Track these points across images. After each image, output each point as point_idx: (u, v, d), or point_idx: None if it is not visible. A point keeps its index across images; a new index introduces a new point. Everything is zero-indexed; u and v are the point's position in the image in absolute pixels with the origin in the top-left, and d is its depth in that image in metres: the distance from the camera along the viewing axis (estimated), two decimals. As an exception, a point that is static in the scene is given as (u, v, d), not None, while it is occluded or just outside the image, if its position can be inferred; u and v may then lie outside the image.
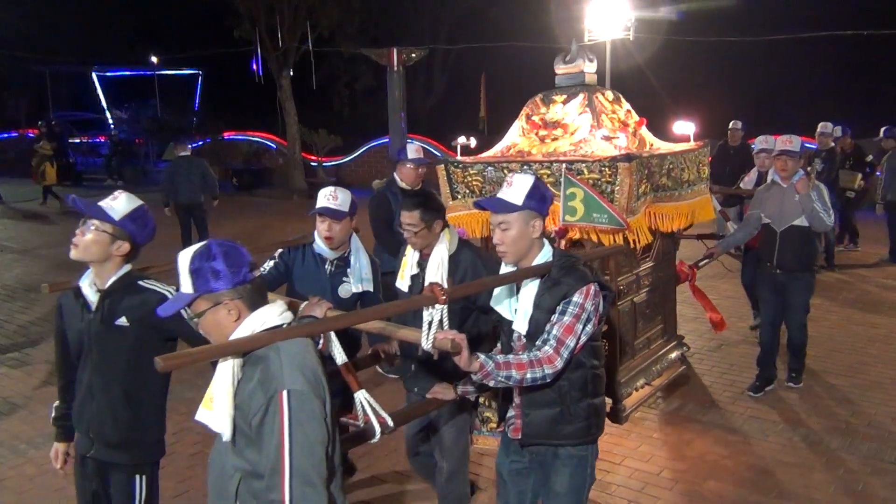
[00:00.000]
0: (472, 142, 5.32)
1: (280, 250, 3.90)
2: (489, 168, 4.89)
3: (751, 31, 16.55)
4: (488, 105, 18.52)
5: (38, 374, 6.44)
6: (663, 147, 5.37)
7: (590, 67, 5.31)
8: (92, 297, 2.82)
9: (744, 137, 10.40)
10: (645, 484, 4.34)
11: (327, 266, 3.80)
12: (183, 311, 2.59)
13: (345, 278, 3.80)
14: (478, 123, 18.71)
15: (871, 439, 4.85)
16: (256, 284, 2.15)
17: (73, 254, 2.77)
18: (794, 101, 18.16)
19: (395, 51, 18.90)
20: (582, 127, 5.00)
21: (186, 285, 2.09)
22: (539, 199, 2.69)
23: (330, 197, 3.71)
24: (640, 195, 4.65)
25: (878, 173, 10.39)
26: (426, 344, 2.44)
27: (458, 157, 5.08)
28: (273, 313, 2.14)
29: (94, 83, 28.09)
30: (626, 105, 5.43)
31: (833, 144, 9.97)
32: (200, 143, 23.45)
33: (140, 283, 2.84)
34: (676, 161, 5.15)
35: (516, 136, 5.29)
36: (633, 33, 14.35)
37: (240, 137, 23.10)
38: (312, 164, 20.29)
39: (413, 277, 3.59)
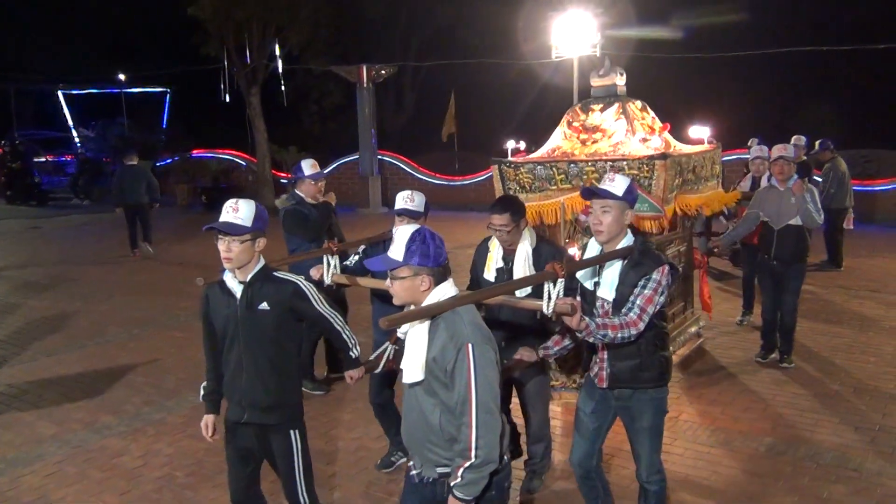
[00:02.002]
0: (522, 144, 6.00)
1: (363, 246, 4.64)
2: (538, 167, 5.54)
3: (717, 48, 16.86)
4: (458, 120, 18.58)
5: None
6: (685, 149, 6.15)
7: (621, 80, 6.07)
8: (236, 287, 3.31)
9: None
10: (618, 499, 4.35)
11: None
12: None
13: None
14: (443, 138, 18.76)
15: (834, 447, 4.93)
16: (446, 267, 2.77)
17: (229, 265, 3.26)
18: (761, 116, 18.50)
19: (364, 68, 18.97)
20: (618, 131, 5.77)
21: (398, 254, 2.69)
22: (633, 196, 3.39)
23: (408, 199, 4.35)
24: (673, 188, 5.40)
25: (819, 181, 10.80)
26: (548, 309, 3.03)
27: (510, 158, 5.74)
28: (450, 287, 2.75)
29: (60, 101, 27.80)
30: (651, 113, 6.19)
31: (805, 157, 10.25)
32: (168, 160, 23.28)
33: (275, 273, 3.38)
34: (698, 160, 5.98)
35: (560, 140, 6.02)
36: (599, 50, 14.58)
37: (208, 155, 22.97)
38: (282, 181, 20.22)
39: (499, 270, 4.20)
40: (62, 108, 27.94)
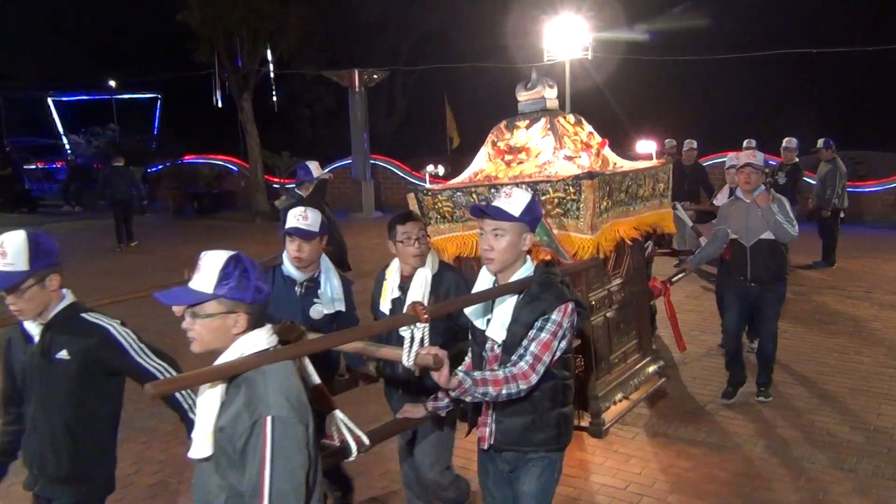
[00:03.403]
0: (441, 169, 5.59)
1: None
2: (458, 193, 5.01)
3: (706, 51, 16.94)
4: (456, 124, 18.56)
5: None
6: (626, 165, 5.50)
7: (550, 93, 5.42)
8: (34, 330, 2.75)
9: (698, 157, 10.66)
10: (611, 499, 4.35)
11: (297, 288, 3.79)
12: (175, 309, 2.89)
13: (315, 299, 3.78)
14: (446, 146, 18.75)
15: (830, 447, 4.93)
16: (264, 308, 2.22)
17: (23, 317, 2.73)
18: (749, 119, 18.59)
19: (356, 72, 18.97)
20: (545, 150, 5.13)
21: (206, 284, 2.11)
22: (533, 216, 2.79)
23: (300, 217, 3.71)
24: (602, 211, 4.80)
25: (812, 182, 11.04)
26: (408, 361, 2.49)
27: (427, 185, 5.19)
28: (263, 337, 2.17)
29: (49, 108, 27.70)
30: (587, 127, 5.55)
31: (797, 160, 10.29)
32: (160, 166, 23.21)
33: (84, 315, 2.78)
34: (636, 178, 5.31)
35: (483, 163, 5.40)
36: (591, 53, 14.63)
37: (200, 161, 22.89)
38: (275, 186, 20.18)
39: (395, 301, 3.63)
40: (52, 115, 27.84)
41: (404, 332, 2.60)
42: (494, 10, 20.01)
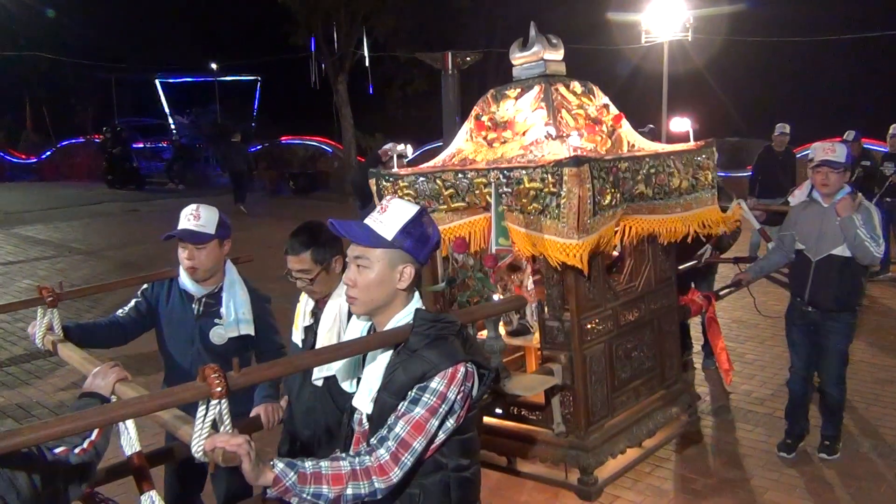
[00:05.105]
0: (409, 149, 4.77)
1: (144, 286, 3.22)
2: (421, 179, 4.20)
3: (809, 32, 16.16)
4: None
5: (103, 372, 6.66)
6: (648, 147, 4.45)
7: (552, 55, 4.40)
8: None
9: (790, 142, 9.95)
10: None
11: (195, 305, 3.10)
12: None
13: (217, 320, 3.08)
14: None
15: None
16: None
17: None
18: (852, 105, 17.62)
19: (449, 54, 19.01)
20: (535, 126, 4.16)
21: None
22: (418, 240, 2.00)
23: (191, 216, 3.01)
24: (598, 209, 3.75)
25: None
26: (196, 451, 1.74)
27: (394, 170, 4.45)
28: None
29: (157, 90, 29.02)
30: (601, 99, 4.50)
31: None
32: (258, 147, 24.01)
33: None
34: (660, 165, 4.18)
35: (462, 141, 4.47)
36: (691, 34, 14.18)
37: (296, 142, 23.52)
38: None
39: (307, 329, 2.85)
40: (159, 97, 29.15)
41: (202, 406, 1.74)
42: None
